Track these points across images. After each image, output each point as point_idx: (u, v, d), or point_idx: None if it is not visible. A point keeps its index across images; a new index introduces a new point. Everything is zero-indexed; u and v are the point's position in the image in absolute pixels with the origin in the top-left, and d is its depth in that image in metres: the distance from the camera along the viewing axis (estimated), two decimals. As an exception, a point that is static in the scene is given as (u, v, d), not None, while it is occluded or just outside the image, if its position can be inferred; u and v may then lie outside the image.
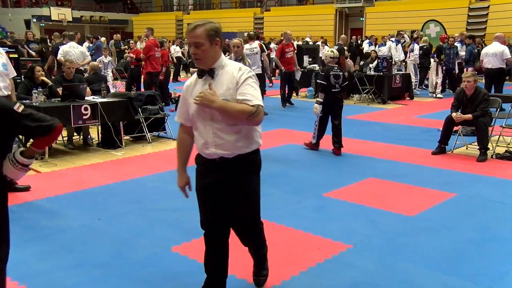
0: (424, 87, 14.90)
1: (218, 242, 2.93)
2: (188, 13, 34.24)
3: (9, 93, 5.22)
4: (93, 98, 7.07)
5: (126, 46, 19.20)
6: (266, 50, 11.23)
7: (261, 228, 3.10)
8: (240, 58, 6.68)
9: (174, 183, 5.60)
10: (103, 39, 19.26)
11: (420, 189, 5.26)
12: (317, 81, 6.93)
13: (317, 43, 18.69)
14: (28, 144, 2.47)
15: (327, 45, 18.33)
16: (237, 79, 2.59)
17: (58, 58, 10.24)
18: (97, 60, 12.69)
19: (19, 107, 2.37)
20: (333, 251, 3.71)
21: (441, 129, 6.93)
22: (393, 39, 15.59)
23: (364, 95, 12.27)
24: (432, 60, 13.66)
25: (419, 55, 13.84)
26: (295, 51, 11.56)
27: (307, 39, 20.59)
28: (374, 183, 5.52)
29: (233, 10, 32.34)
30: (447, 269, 3.43)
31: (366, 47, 17.32)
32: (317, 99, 6.93)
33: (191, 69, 9.68)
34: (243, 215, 2.89)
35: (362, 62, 13.20)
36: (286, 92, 11.64)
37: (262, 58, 10.23)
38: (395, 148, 7.25)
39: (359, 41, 20.42)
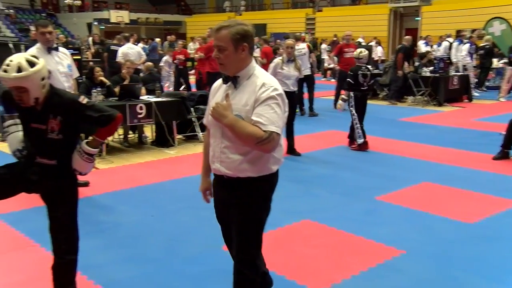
0: (484, 89, 14.26)
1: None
2: (240, 14, 34.52)
3: (72, 92, 5.47)
4: (148, 97, 7.27)
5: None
6: (313, 51, 11.09)
7: (251, 279, 2.50)
8: (292, 59, 6.65)
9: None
10: (158, 40, 19.80)
11: (480, 195, 5.03)
12: (346, 79, 7.19)
13: (369, 44, 18.35)
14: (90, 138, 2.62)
15: (380, 46, 17.99)
16: (257, 96, 2.25)
17: (118, 60, 10.65)
18: (163, 60, 12.91)
19: (83, 99, 2.58)
20: (385, 256, 3.62)
21: (503, 133, 6.59)
22: (450, 39, 15.03)
23: (419, 97, 11.90)
24: (502, 61, 13.03)
25: (481, 55, 13.25)
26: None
27: (360, 39, 20.22)
28: (429, 187, 5.34)
29: (285, 11, 32.28)
30: (508, 283, 3.26)
31: (422, 47, 16.79)
32: (342, 96, 7.28)
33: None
34: (236, 248, 2.50)
35: (417, 63, 12.79)
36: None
37: (310, 59, 10.15)
38: (452, 152, 6.98)
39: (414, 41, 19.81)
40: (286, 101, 2.35)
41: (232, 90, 2.34)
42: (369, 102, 12.74)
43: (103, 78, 7.22)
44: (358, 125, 7.04)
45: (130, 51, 10.37)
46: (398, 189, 5.27)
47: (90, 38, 18.64)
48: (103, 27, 31.78)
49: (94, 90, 6.69)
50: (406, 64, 12.02)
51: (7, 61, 2.42)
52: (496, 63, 14.85)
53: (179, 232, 4.11)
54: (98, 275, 3.28)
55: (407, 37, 13.17)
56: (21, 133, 2.67)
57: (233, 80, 2.33)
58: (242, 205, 2.40)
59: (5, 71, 2.39)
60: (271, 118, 2.22)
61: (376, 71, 13.64)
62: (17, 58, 2.42)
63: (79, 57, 9.34)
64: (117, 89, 7.04)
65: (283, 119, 2.31)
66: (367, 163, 6.43)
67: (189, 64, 12.58)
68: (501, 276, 3.32)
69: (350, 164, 6.39)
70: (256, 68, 2.36)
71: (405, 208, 4.67)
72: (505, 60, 13.22)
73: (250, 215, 2.42)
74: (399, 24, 26.95)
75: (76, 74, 5.47)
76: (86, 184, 5.29)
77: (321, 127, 8.89)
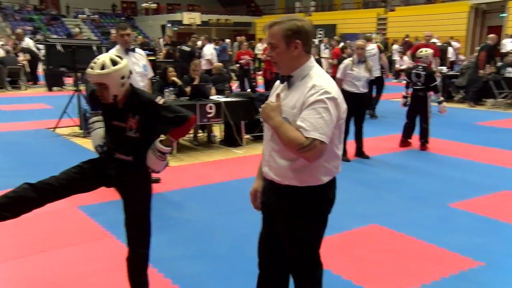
0: None
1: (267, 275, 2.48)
2: (309, 15, 34.35)
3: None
4: (218, 97, 7.41)
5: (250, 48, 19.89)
6: (384, 51, 10.72)
7: None
8: (363, 60, 6.51)
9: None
10: (228, 41, 20.18)
11: None
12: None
13: (444, 44, 17.53)
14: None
15: (450, 46, 17.10)
16: (305, 99, 2.06)
17: (206, 59, 11.08)
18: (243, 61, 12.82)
19: (160, 100, 2.68)
20: (460, 266, 3.43)
21: None
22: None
23: (501, 99, 11.20)
24: None
25: None
26: (436, 55, 10.70)
27: (434, 39, 19.34)
28: (510, 196, 5.00)
29: (356, 11, 31.68)
30: None
31: (508, 45, 15.77)
32: (404, 93, 7.55)
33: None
34: (286, 263, 2.38)
35: (500, 63, 12.05)
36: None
37: (381, 61, 9.88)
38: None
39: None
40: (342, 106, 2.12)
41: (285, 90, 2.19)
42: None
43: (175, 78, 7.46)
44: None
45: (215, 52, 10.71)
46: (475, 197, 4.99)
47: (161, 40, 19.42)
48: (176, 28, 32.93)
49: (167, 90, 6.93)
50: (487, 65, 11.37)
51: (95, 59, 2.60)
52: None
53: (245, 231, 4.15)
54: (168, 269, 3.39)
55: (491, 35, 12.43)
56: (102, 130, 2.83)
57: (287, 80, 2.17)
58: (287, 217, 2.24)
59: (91, 68, 2.57)
60: (316, 123, 2.01)
61: (451, 73, 13.03)
62: (103, 57, 2.60)
63: (153, 58, 9.74)
64: (188, 89, 7.24)
65: (332, 125, 2.06)
66: (441, 168, 6.15)
67: (256, 64, 12.73)
68: None
69: (422, 169, 6.14)
70: (313, 68, 2.16)
71: (483, 217, 4.41)
72: None
73: (295, 229, 2.25)
74: (480, 22, 25.51)
75: (150, 74, 5.70)
76: (157, 180, 5.48)
77: (390, 129, 8.62)
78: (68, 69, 8.35)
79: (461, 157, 6.67)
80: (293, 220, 2.22)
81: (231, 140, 7.46)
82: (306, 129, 2.00)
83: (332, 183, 2.24)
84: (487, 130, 8.74)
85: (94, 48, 8.30)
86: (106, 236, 3.98)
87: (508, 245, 3.81)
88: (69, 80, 15.11)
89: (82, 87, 8.67)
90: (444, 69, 13.17)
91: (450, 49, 16.88)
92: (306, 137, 1.99)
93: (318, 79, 2.11)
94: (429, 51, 7.43)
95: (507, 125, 9.12)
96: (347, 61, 6.63)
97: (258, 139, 7.93)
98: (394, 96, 12.90)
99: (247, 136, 7.81)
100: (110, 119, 2.71)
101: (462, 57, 16.48)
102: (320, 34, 28.70)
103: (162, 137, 2.73)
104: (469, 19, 25.08)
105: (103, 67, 2.54)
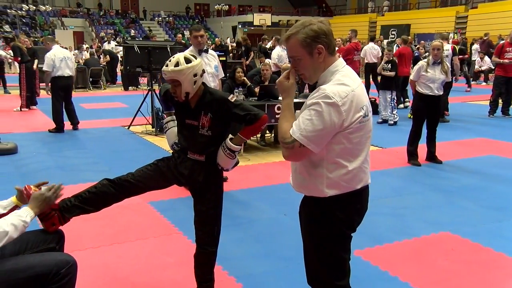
0: None
1: None
2: (382, 15, 33.47)
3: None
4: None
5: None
6: (457, 53, 10.10)
7: None
8: (439, 61, 6.23)
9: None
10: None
11: None
12: None
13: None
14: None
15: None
16: (307, 100, 1.96)
17: (272, 61, 11.16)
18: None
19: (232, 98, 2.73)
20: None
21: None
22: None
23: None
24: None
25: None
26: None
27: None
28: None
29: (432, 10, 30.42)
30: None
31: None
32: None
33: (382, 72, 9.39)
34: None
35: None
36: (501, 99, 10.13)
37: (453, 62, 9.39)
38: None
39: None
40: (351, 115, 1.92)
41: None
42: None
43: (244, 79, 7.57)
44: None
45: (283, 53, 10.76)
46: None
47: (228, 39, 19.82)
48: (246, 29, 33.40)
49: (236, 90, 7.05)
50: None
51: (171, 57, 2.71)
52: None
53: (310, 232, 4.12)
54: (233, 267, 3.44)
55: None
56: (176, 129, 2.93)
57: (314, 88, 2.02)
58: (302, 225, 2.27)
59: (167, 65, 2.67)
60: (302, 124, 1.90)
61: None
62: (178, 55, 2.70)
63: (224, 59, 9.93)
64: (257, 89, 7.32)
65: (323, 132, 1.89)
66: (522, 176, 5.75)
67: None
68: None
69: (502, 176, 5.77)
70: (336, 73, 1.99)
71: None
72: None
73: (309, 239, 2.21)
74: None
75: (221, 74, 5.83)
76: (225, 179, 5.58)
77: (467, 134, 8.20)
78: (144, 70, 8.73)
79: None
80: (305, 232, 2.25)
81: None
82: (293, 127, 1.94)
83: (343, 200, 2.06)
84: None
85: (168, 49, 8.61)
86: (174, 232, 4.12)
87: None
88: (144, 80, 15.82)
89: (155, 87, 9.04)
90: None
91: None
92: (290, 135, 1.93)
93: (332, 82, 1.96)
94: None
95: None
96: (422, 62, 6.39)
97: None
98: (473, 99, 12.27)
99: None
100: (184, 117, 2.79)
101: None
102: (393, 34, 27.86)
103: (232, 136, 2.77)
104: None
105: (177, 64, 2.63)
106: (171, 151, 2.95)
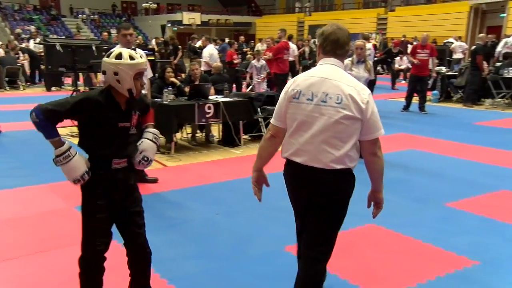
0: None
1: None
2: (309, 15, 34.37)
3: (146, 92, 5.71)
4: (216, 97, 7.42)
5: (249, 48, 19.86)
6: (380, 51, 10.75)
7: None
8: (362, 60, 6.51)
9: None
10: (227, 41, 20.19)
11: None
12: None
13: (448, 42, 17.54)
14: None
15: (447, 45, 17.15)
16: None
17: (204, 60, 11.08)
18: (250, 65, 11.66)
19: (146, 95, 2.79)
20: (456, 265, 3.45)
21: None
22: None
23: (499, 99, 11.21)
24: None
25: None
26: (433, 55, 10.73)
27: (451, 39, 19.19)
28: (509, 196, 5.01)
29: (356, 11, 31.70)
30: None
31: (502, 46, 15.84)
32: None
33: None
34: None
35: (498, 63, 12.05)
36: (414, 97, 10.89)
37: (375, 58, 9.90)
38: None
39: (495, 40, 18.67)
40: (288, 94, 2.52)
41: None
42: (441, 104, 12.28)
43: (173, 79, 7.48)
44: None
45: (215, 52, 10.70)
46: (473, 196, 5.00)
47: (154, 40, 19.52)
48: (176, 28, 32.95)
49: (165, 90, 6.94)
50: (485, 64, 11.37)
51: (117, 51, 2.52)
52: None
53: (245, 231, 4.16)
54: (165, 269, 3.39)
55: (481, 35, 12.48)
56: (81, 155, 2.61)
57: None
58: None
59: (135, 58, 2.50)
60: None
61: (450, 73, 13.05)
62: (120, 49, 2.56)
63: (153, 58, 9.73)
64: (187, 89, 7.26)
65: (279, 110, 2.56)
66: (440, 168, 6.15)
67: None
68: None
69: (422, 169, 6.15)
70: (318, 65, 2.54)
71: (480, 216, 4.42)
72: None
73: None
74: (480, 22, 25.51)
75: (150, 74, 5.71)
76: (155, 180, 5.50)
77: (390, 130, 8.63)
78: (68, 69, 8.36)
79: (460, 157, 6.68)
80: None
81: (229, 140, 7.48)
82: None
83: (287, 165, 2.64)
84: (486, 130, 8.74)
85: (94, 48, 8.31)
86: (104, 236, 3.99)
87: (504, 244, 3.83)
88: (68, 80, 15.14)
89: (81, 87, 8.68)
90: (443, 69, 13.19)
91: (458, 49, 16.93)
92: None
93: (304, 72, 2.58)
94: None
95: (506, 125, 9.13)
96: (347, 61, 6.63)
97: (257, 139, 7.94)
98: (393, 96, 12.93)
99: (245, 136, 7.82)
100: (117, 122, 2.57)
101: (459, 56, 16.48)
102: (319, 34, 28.58)
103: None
104: (469, 19, 25.09)
105: (134, 58, 2.51)
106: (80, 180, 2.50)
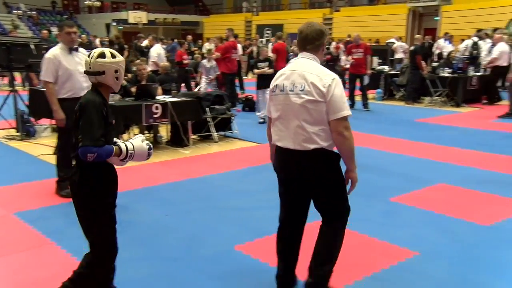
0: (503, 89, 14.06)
1: None
2: (257, 14, 34.57)
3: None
4: (164, 97, 7.33)
5: (197, 48, 19.71)
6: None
7: None
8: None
9: (239, 183, 5.70)
10: (176, 40, 19.93)
11: (497, 197, 4.96)
12: None
13: (389, 43, 18.17)
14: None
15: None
16: None
17: (152, 60, 10.84)
18: (201, 65, 11.43)
19: None
20: (399, 257, 3.59)
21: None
22: (475, 38, 14.82)
23: (436, 97, 11.76)
24: None
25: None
26: (368, 54, 11.16)
27: (393, 40, 19.91)
28: (445, 189, 5.27)
29: (302, 11, 32.21)
30: (525, 284, 3.20)
31: (442, 46, 16.65)
32: None
33: (255, 71, 9.72)
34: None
35: (435, 63, 12.64)
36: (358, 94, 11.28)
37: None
38: (470, 153, 6.89)
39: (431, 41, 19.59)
40: (269, 94, 2.96)
41: None
42: (385, 102, 12.71)
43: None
44: None
45: (162, 52, 10.52)
46: (414, 191, 5.22)
47: (97, 40, 19.01)
48: (121, 27, 32.15)
49: (111, 90, 6.77)
50: (424, 63, 11.89)
51: (110, 50, 2.69)
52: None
53: (194, 231, 4.14)
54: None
55: (418, 36, 13.07)
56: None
57: None
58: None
59: (114, 56, 2.64)
60: None
61: (392, 72, 13.54)
62: (103, 49, 2.70)
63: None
64: (133, 89, 7.11)
65: (267, 104, 3.00)
66: (383, 164, 6.38)
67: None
68: (517, 280, 3.27)
69: (367, 165, 6.33)
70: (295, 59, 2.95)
71: (420, 209, 4.63)
72: None
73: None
74: (417, 24, 26.66)
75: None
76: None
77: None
78: (3, 69, 7.94)
79: (402, 153, 6.95)
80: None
81: (177, 140, 7.40)
82: None
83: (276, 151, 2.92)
84: (426, 127, 9.14)
85: (32, 46, 7.94)
86: (46, 243, 3.84)
87: (441, 235, 4.03)
88: (4, 80, 14.40)
89: (19, 87, 8.29)
90: (386, 68, 13.66)
91: (399, 49, 17.60)
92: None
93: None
94: None
95: (442, 122, 9.59)
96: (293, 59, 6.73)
97: (206, 139, 7.91)
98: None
99: (194, 136, 7.77)
100: (111, 118, 2.63)
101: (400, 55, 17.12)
102: (268, 33, 28.91)
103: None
104: (408, 20, 26.16)
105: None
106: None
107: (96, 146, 2.39)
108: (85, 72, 2.64)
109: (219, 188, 5.35)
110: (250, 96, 11.23)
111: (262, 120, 9.39)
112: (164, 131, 7.92)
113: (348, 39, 20.09)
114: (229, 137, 8.15)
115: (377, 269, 3.41)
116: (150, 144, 2.66)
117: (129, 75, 8.39)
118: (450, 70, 11.87)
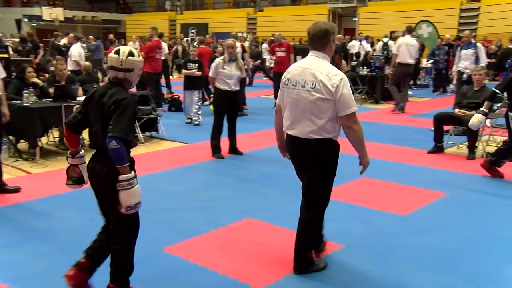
0: (415, 87, 15.04)
1: None
2: (181, 13, 34.17)
3: (0, 93, 5.18)
4: (85, 98, 7.02)
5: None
6: (247, 51, 11.21)
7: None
8: (234, 58, 6.67)
9: (167, 184, 5.62)
10: (91, 37, 19.15)
11: (412, 188, 5.29)
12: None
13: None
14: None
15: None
16: None
17: (74, 59, 10.31)
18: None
19: None
20: (326, 251, 3.71)
21: (433, 128, 6.97)
22: (385, 39, 15.66)
23: (357, 95, 12.30)
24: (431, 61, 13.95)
25: None
26: (290, 52, 11.46)
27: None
28: (367, 183, 5.53)
29: (227, 10, 32.31)
30: (441, 269, 3.44)
31: (356, 46, 17.47)
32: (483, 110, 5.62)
33: (183, 71, 9.61)
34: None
35: (355, 62, 13.22)
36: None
37: (245, 60, 10.23)
38: (388, 148, 7.27)
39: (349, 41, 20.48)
40: (281, 84, 3.33)
41: None
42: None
43: (35, 79, 6.90)
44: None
45: (83, 51, 10.07)
46: (338, 185, 5.38)
47: (9, 36, 17.92)
48: (35, 24, 30.32)
49: (26, 91, 6.38)
50: (344, 62, 12.38)
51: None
52: (425, 63, 15.66)
53: (119, 236, 4.00)
54: (35, 285, 3.15)
55: (339, 36, 13.62)
56: None
57: None
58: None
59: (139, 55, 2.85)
60: None
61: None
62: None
63: (6, 56, 8.83)
64: (51, 90, 6.75)
65: (278, 92, 3.39)
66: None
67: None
68: (434, 263, 3.51)
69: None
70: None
71: (345, 203, 4.81)
72: (432, 60, 14.18)
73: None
74: (338, 24, 27.70)
75: (2, 74, 5.17)
76: (17, 190, 5.03)
77: (264, 125, 8.97)
78: None
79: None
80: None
81: (102, 143, 7.12)
82: None
83: (286, 137, 3.35)
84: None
85: None
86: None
87: (364, 227, 4.23)
88: None
89: None
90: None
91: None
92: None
93: None
94: None
95: (363, 118, 10.02)
96: (219, 59, 6.74)
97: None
98: (265, 93, 13.43)
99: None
100: None
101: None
102: (193, 32, 28.68)
103: None
104: (328, 21, 27.08)
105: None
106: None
107: (123, 140, 2.56)
108: (115, 68, 2.75)
109: (146, 191, 5.16)
110: (177, 96, 11.07)
111: (189, 120, 9.30)
112: (85, 133, 7.58)
113: (272, 38, 20.46)
114: (156, 138, 7.99)
115: (306, 263, 3.50)
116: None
117: (46, 75, 7.97)
118: (368, 69, 12.46)
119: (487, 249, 3.77)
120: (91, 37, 19.29)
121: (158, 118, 7.98)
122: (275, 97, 11.05)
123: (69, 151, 3.09)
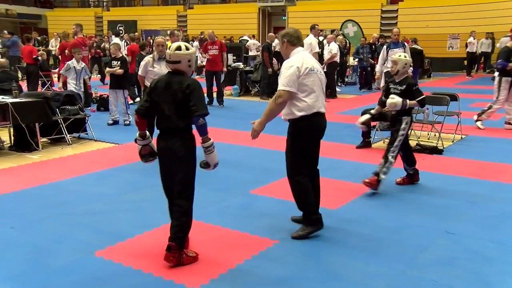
0: (343, 85, 15.61)
1: None
2: (108, 10, 33.01)
3: None
4: (3, 98, 6.63)
5: (41, 47, 18.07)
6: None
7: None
8: (163, 57, 6.55)
9: (96, 186, 5.43)
10: (5, 32, 18.03)
11: (341, 183, 5.48)
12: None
13: (241, 40, 18.82)
14: None
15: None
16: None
17: None
18: (67, 67, 9.37)
19: None
20: (260, 247, 3.76)
21: (360, 124, 7.26)
22: (321, 38, 16.12)
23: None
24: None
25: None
26: (223, 50, 11.41)
27: (245, 37, 20.50)
28: (299, 178, 5.65)
29: (156, 7, 31.62)
30: (367, 258, 3.61)
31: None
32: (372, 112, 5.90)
33: (107, 69, 9.27)
34: None
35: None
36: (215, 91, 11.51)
37: None
38: (321, 144, 7.46)
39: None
40: (297, 73, 3.83)
41: None
42: (242, 98, 13.17)
43: None
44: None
45: None
46: (272, 182, 5.50)
47: None
48: None
49: None
50: (274, 60, 12.55)
51: (185, 44, 3.45)
52: (352, 61, 16.29)
53: (46, 242, 3.82)
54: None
55: (270, 34, 13.83)
56: None
57: None
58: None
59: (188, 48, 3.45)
60: (284, 80, 3.93)
61: (247, 68, 14.08)
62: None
63: None
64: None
65: (292, 82, 3.87)
66: (242, 158, 6.61)
67: (51, 61, 11.75)
68: (360, 253, 3.66)
69: (225, 160, 6.46)
70: (295, 54, 3.94)
71: (278, 199, 4.90)
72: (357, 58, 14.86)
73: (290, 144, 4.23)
74: (267, 22, 28.05)
75: None
76: None
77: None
78: None
79: (261, 147, 7.25)
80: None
81: (24, 145, 6.75)
82: (279, 85, 3.84)
83: (313, 117, 3.92)
84: (279, 120, 9.67)
85: None
86: None
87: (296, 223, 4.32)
88: None
89: None
90: (241, 65, 14.16)
91: (252, 46, 18.29)
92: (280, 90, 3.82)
93: (291, 58, 3.89)
94: None
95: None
96: (148, 58, 6.60)
97: (58, 142, 7.35)
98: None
99: (44, 139, 7.17)
100: None
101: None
102: (121, 30, 27.85)
103: None
104: (258, 19, 27.39)
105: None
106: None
107: (206, 115, 3.29)
108: (167, 61, 3.43)
109: (74, 194, 5.02)
110: (105, 95, 10.71)
111: (111, 121, 8.96)
112: (5, 135, 7.15)
113: (201, 36, 20.34)
114: (84, 139, 7.68)
115: (241, 260, 3.53)
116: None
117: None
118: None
119: (406, 237, 4.00)
120: (5, 31, 18.13)
121: (86, 118, 7.68)
122: (207, 95, 11.12)
123: (138, 134, 3.68)
